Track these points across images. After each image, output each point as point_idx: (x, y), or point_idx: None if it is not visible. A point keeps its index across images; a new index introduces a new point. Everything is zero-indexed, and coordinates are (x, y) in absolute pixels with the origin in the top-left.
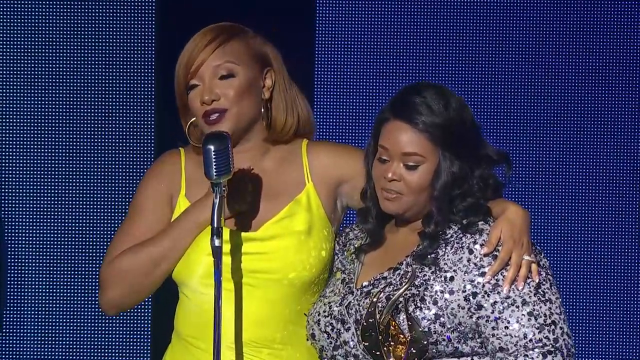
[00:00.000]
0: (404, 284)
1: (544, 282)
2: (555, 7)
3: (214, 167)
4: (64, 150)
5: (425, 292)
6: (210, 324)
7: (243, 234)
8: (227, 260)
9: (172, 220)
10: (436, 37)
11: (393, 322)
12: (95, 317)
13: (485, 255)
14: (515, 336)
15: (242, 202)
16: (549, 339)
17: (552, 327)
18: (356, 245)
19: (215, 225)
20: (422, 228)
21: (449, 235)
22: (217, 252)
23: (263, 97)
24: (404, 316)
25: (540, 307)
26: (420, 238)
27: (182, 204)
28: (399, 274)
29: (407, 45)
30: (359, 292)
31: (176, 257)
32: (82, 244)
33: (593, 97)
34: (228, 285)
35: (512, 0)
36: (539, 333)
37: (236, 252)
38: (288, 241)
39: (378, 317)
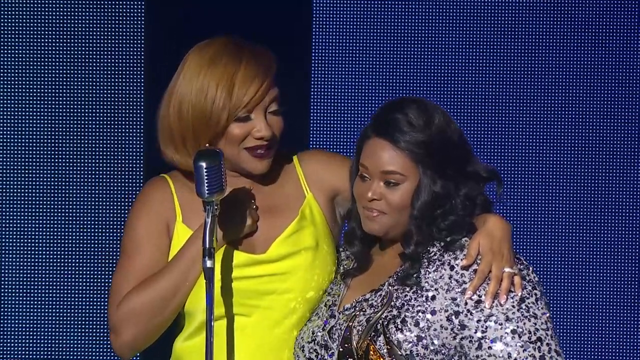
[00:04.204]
0: (383, 305)
1: (528, 297)
2: (555, 8)
3: (206, 184)
4: (52, 154)
5: (407, 313)
6: (219, 352)
7: (252, 256)
8: (237, 284)
9: (175, 250)
10: (434, 40)
11: (372, 347)
12: (82, 341)
13: (464, 267)
14: (499, 357)
15: (249, 223)
16: (534, 357)
17: (538, 344)
18: (345, 267)
19: (207, 246)
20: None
21: (432, 254)
22: (208, 274)
23: None
24: (383, 340)
25: (524, 324)
26: (401, 260)
27: (181, 230)
28: (380, 295)
29: (404, 49)
30: (340, 316)
31: (187, 290)
32: (70, 247)
33: (594, 100)
34: (239, 310)
35: (510, 1)
36: (523, 352)
37: (246, 276)
38: (300, 259)
39: (355, 342)
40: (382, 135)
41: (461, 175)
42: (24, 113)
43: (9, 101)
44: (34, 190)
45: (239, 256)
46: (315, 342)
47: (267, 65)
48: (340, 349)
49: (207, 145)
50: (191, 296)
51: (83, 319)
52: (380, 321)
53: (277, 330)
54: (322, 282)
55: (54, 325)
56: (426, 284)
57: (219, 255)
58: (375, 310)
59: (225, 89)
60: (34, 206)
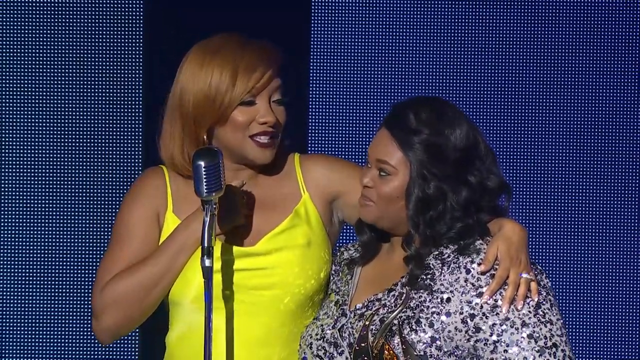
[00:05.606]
0: (398, 305)
1: (544, 302)
2: (556, 8)
3: (204, 183)
4: (51, 153)
5: (421, 314)
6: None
7: (240, 249)
8: (224, 277)
9: (163, 239)
10: (433, 38)
11: (387, 346)
12: (79, 338)
13: (482, 273)
14: None
15: (239, 215)
16: None
17: (554, 349)
18: (352, 256)
19: (206, 245)
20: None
21: (446, 255)
22: (207, 273)
23: None
24: (399, 340)
25: (541, 329)
26: (404, 263)
27: (170, 220)
28: (394, 295)
29: (403, 47)
30: (352, 315)
31: (172, 278)
32: (69, 245)
33: (594, 100)
34: (226, 304)
35: (511, 0)
36: (539, 357)
37: (234, 269)
38: (289, 255)
39: (371, 341)
40: (388, 127)
41: (462, 182)
42: (23, 112)
43: (8, 100)
44: (33, 189)
45: (228, 248)
46: (324, 339)
47: (272, 55)
48: (357, 348)
49: (205, 137)
50: (176, 285)
51: (82, 315)
52: (395, 322)
53: (264, 326)
54: (312, 281)
55: (53, 322)
56: (441, 286)
57: None
58: (390, 310)
59: (229, 73)
60: (33, 206)
